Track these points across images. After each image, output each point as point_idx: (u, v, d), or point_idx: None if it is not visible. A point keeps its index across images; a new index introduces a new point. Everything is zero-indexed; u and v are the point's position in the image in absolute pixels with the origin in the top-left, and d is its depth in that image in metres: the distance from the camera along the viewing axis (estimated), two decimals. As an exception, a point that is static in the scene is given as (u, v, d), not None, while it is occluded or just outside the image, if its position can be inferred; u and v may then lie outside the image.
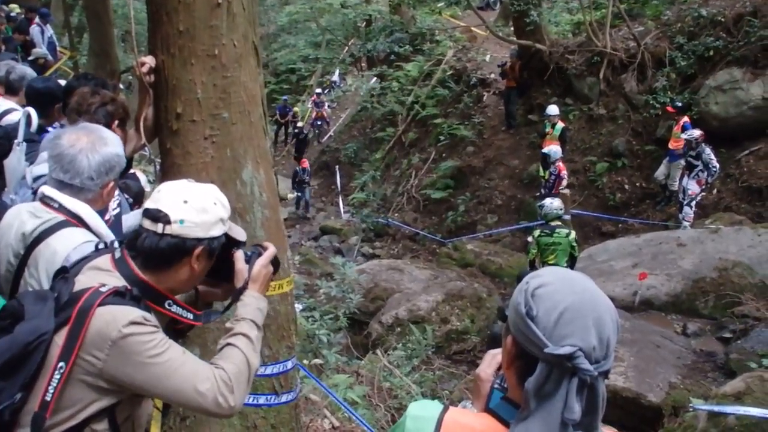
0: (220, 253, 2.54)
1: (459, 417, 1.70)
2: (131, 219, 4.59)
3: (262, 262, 2.64)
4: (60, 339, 2.19)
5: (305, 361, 7.45)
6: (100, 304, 2.20)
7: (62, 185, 3.00)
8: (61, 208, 2.98)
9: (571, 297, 1.59)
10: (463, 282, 13.37)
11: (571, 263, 10.88)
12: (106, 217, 3.80)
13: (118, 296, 2.25)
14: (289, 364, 4.14)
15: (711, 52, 16.08)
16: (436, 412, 1.71)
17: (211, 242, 2.44)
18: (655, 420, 8.27)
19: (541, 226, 11.21)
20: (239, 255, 2.61)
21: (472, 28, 25.71)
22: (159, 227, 2.34)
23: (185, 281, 2.48)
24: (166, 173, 3.86)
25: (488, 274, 14.73)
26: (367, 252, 19.77)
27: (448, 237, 18.17)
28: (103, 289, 2.24)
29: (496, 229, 17.82)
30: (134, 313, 2.23)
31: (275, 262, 2.72)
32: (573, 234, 11.12)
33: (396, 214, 20.10)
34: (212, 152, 3.75)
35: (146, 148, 4.12)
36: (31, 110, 4.68)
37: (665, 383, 8.77)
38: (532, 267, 11.07)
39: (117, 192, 4.15)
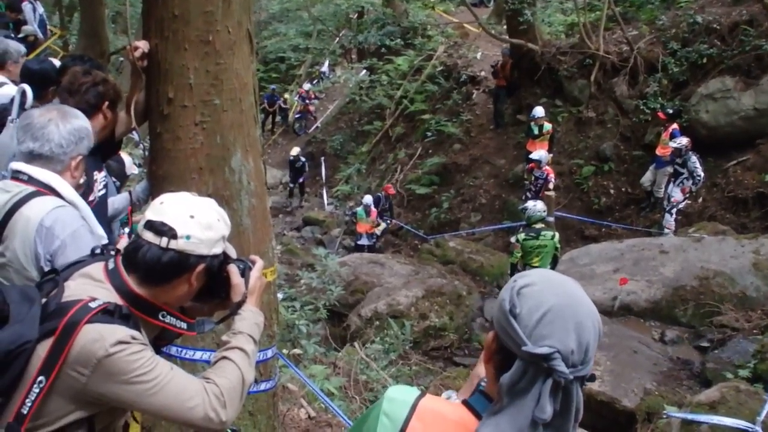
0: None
1: (433, 404, 1.73)
2: (119, 201, 4.57)
3: (256, 275, 2.61)
4: (42, 350, 2.12)
5: (284, 351, 7.45)
6: (88, 321, 2.12)
7: (31, 157, 3.01)
8: (32, 180, 2.99)
9: (556, 299, 1.60)
10: (443, 279, 13.37)
11: (553, 265, 10.90)
12: (91, 198, 3.77)
13: (106, 314, 2.17)
14: (270, 353, 4.16)
15: (704, 60, 16.01)
16: (413, 397, 1.73)
17: (213, 260, 2.39)
18: (629, 425, 8.30)
19: (526, 228, 11.18)
20: (234, 269, 2.52)
21: (465, 25, 25.72)
22: (163, 241, 2.27)
23: (181, 297, 2.42)
24: (154, 157, 3.85)
25: (469, 272, 14.71)
26: (348, 244, 19.79)
27: (430, 233, 18.19)
28: (92, 305, 2.17)
29: (479, 227, 17.83)
30: (122, 332, 2.17)
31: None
32: (557, 236, 11.15)
33: (380, 208, 20.06)
34: (202, 138, 3.74)
35: (134, 132, 4.08)
36: (27, 87, 4.64)
37: (640, 389, 8.80)
38: (514, 270, 10.98)
39: (104, 174, 4.12)
